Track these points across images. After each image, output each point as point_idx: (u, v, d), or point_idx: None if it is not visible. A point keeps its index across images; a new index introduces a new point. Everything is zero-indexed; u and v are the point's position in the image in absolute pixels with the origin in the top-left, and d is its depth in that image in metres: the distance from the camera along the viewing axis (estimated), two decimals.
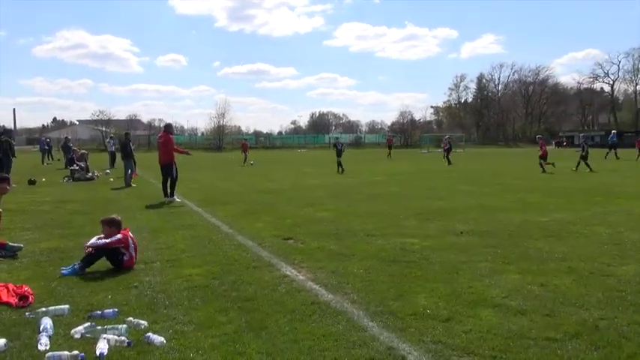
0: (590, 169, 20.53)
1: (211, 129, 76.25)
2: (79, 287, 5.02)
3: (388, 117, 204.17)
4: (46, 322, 3.83)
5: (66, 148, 26.93)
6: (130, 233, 5.93)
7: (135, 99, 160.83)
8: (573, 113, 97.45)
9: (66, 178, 18.64)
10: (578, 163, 21.03)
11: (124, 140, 18.43)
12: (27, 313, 4.20)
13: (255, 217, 9.52)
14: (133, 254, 5.79)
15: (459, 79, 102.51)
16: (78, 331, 3.75)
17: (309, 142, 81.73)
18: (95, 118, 74.65)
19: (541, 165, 20.77)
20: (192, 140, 77.30)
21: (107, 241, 5.69)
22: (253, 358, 3.39)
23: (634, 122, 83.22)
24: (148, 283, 5.15)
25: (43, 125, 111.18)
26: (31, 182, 16.80)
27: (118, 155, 20.63)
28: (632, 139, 52.29)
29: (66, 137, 31.77)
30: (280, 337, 3.71)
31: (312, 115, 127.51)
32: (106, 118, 71.95)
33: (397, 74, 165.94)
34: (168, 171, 12.22)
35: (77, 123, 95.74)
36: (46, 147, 33.82)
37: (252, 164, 29.82)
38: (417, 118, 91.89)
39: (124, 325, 3.84)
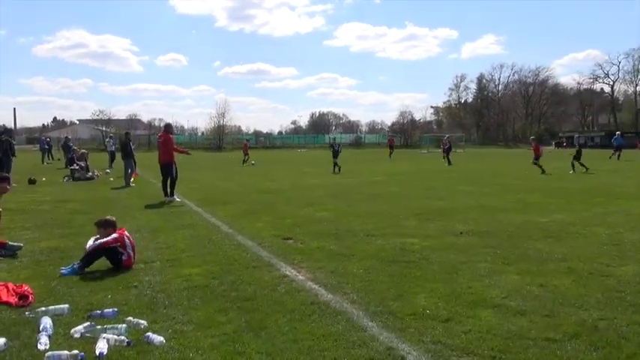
0: (586, 169, 20.50)
1: (211, 129, 76.29)
2: (79, 287, 5.02)
3: (388, 117, 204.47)
4: (46, 322, 3.83)
5: (66, 147, 26.93)
6: (126, 232, 5.93)
7: (135, 98, 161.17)
8: (573, 114, 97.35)
9: (66, 178, 18.64)
10: (573, 165, 20.97)
11: (124, 140, 18.42)
12: (27, 313, 4.21)
13: (255, 217, 9.52)
14: (131, 253, 5.79)
15: (459, 80, 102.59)
16: (77, 330, 3.75)
17: (309, 142, 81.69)
18: (95, 117, 74.71)
19: (539, 166, 20.61)
20: (193, 140, 77.27)
21: (103, 240, 5.69)
22: (253, 358, 3.39)
23: (634, 123, 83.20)
24: (148, 282, 5.15)
25: (43, 125, 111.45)
26: (31, 182, 16.81)
27: (117, 155, 20.64)
28: (632, 139, 52.33)
29: (66, 137, 31.77)
30: (280, 337, 3.71)
31: (313, 115, 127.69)
32: (106, 117, 72.01)
33: (397, 74, 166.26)
34: (168, 171, 12.22)
35: (77, 122, 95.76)
36: (46, 146, 33.83)
37: (253, 164, 29.84)
38: (417, 119, 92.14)
39: (124, 325, 3.84)
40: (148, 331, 3.74)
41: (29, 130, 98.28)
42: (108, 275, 5.42)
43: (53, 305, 4.30)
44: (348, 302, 4.50)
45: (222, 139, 71.53)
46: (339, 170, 21.98)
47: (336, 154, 22.85)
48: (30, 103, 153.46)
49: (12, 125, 68.88)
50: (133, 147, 17.74)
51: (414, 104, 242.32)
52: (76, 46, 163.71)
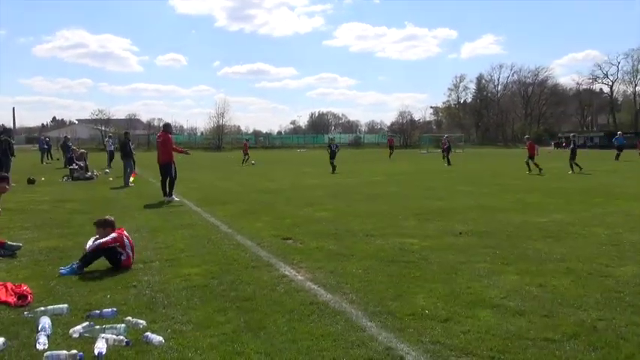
0: (580, 168, 20.53)
1: (211, 129, 76.28)
2: (78, 286, 5.02)
3: (388, 117, 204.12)
4: (45, 322, 3.82)
5: (65, 147, 26.88)
6: (125, 232, 5.93)
7: (134, 98, 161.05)
8: (572, 114, 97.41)
9: (65, 178, 18.63)
10: (571, 165, 20.99)
11: (123, 140, 18.41)
12: (25, 313, 4.20)
13: (255, 216, 9.52)
14: (130, 253, 5.79)
15: (458, 80, 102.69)
16: (76, 330, 3.75)
17: (309, 142, 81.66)
18: (95, 117, 74.77)
19: (536, 165, 20.49)
20: (192, 140, 77.27)
21: (102, 240, 5.69)
22: (252, 358, 3.39)
23: (633, 123, 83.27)
24: (147, 282, 5.15)
25: (43, 124, 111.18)
26: (31, 181, 16.79)
27: (116, 155, 20.61)
28: (631, 140, 52.28)
29: (65, 136, 31.70)
30: (279, 337, 3.71)
31: (312, 115, 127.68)
32: (106, 117, 72.08)
33: (397, 74, 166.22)
34: (167, 170, 12.21)
35: (77, 122, 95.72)
36: (46, 146, 33.77)
37: (253, 164, 29.86)
38: (416, 119, 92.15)
39: (123, 325, 3.84)
40: (146, 331, 3.74)
41: (28, 130, 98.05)
42: (107, 275, 5.42)
43: (52, 305, 4.30)
44: (347, 302, 4.50)
45: (221, 139, 71.53)
46: (334, 169, 22.08)
47: (333, 155, 22.83)
48: (29, 102, 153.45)
49: (11, 125, 68.86)
50: (132, 147, 17.74)
51: (414, 104, 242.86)
52: (76, 46, 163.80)
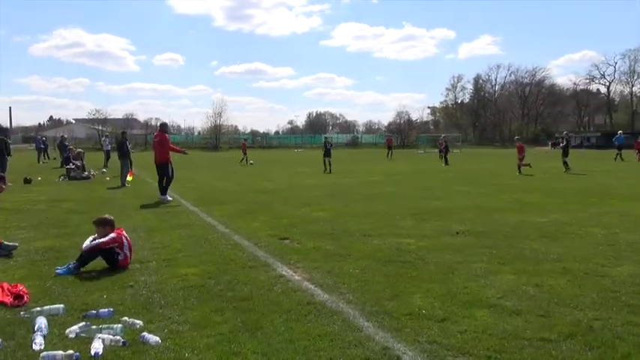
0: (567, 168, 20.72)
1: (208, 128, 76.18)
2: (74, 286, 5.00)
3: (385, 117, 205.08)
4: (41, 322, 3.81)
5: (62, 146, 26.83)
6: (124, 232, 5.92)
7: (131, 98, 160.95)
8: (569, 114, 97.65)
9: (62, 177, 18.59)
10: (567, 165, 21.08)
11: (120, 139, 18.39)
12: (22, 313, 4.19)
13: (252, 216, 9.51)
14: (128, 254, 5.78)
15: (456, 80, 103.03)
16: (73, 330, 3.74)
17: (306, 142, 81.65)
18: (91, 116, 74.53)
19: (526, 165, 20.66)
20: (189, 139, 77.14)
21: (101, 240, 5.67)
22: (249, 358, 3.39)
23: (630, 123, 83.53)
24: (144, 282, 5.14)
25: (39, 124, 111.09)
26: (27, 181, 16.74)
27: (112, 154, 20.56)
28: (628, 140, 52.34)
29: (62, 136, 31.62)
30: (276, 337, 3.71)
31: (309, 115, 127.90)
32: (103, 116, 71.87)
33: (395, 74, 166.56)
34: (164, 170, 12.19)
35: (73, 122, 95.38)
36: (42, 146, 33.68)
37: (251, 164, 29.88)
38: (414, 119, 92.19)
39: (119, 325, 3.83)
40: (143, 331, 3.74)
41: (25, 130, 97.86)
42: (103, 275, 5.41)
43: (48, 305, 4.29)
44: (344, 302, 4.50)
45: (218, 139, 71.48)
46: (328, 167, 22.25)
47: (328, 153, 22.91)
48: (26, 102, 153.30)
49: (8, 124, 68.71)
50: (129, 146, 17.71)
51: (412, 104, 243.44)
52: (73, 45, 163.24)
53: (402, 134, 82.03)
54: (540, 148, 59.77)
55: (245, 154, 31.78)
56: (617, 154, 30.67)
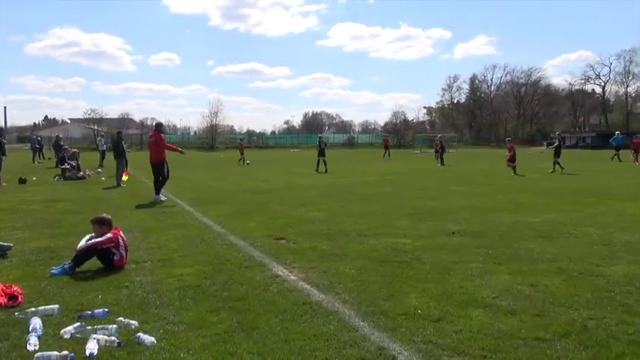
0: (553, 170, 20.85)
1: (204, 128, 75.94)
2: (69, 287, 4.99)
3: (382, 117, 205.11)
4: (36, 322, 3.80)
5: (57, 146, 26.72)
6: (120, 233, 5.90)
7: (127, 98, 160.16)
8: (565, 114, 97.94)
9: (57, 177, 18.52)
10: (555, 163, 21.17)
11: (116, 139, 18.33)
12: (16, 313, 4.17)
13: (248, 216, 9.50)
14: (124, 254, 5.76)
15: (452, 80, 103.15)
16: (67, 331, 3.73)
17: (302, 142, 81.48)
18: (87, 116, 74.15)
19: (509, 166, 20.72)
20: (185, 139, 76.84)
21: (97, 240, 5.65)
22: (244, 358, 3.39)
23: (625, 124, 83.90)
24: (139, 282, 5.13)
25: (35, 123, 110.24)
26: (22, 181, 16.67)
27: (108, 154, 20.48)
28: (623, 140, 52.54)
29: (57, 136, 31.48)
30: (271, 337, 3.71)
31: (306, 114, 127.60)
32: (98, 116, 71.47)
33: (391, 74, 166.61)
34: (159, 170, 12.17)
35: (69, 121, 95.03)
36: (37, 145, 33.53)
37: (248, 164, 29.88)
38: (410, 119, 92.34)
39: (114, 325, 3.82)
40: (138, 332, 3.73)
41: (20, 129, 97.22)
42: (99, 275, 5.39)
43: (43, 306, 4.27)
44: (339, 302, 4.50)
45: (214, 139, 71.29)
46: (324, 167, 22.29)
47: (323, 152, 22.92)
48: (21, 101, 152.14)
49: (2, 124, 68.36)
50: (125, 146, 17.66)
51: (408, 104, 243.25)
52: (69, 45, 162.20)
53: (398, 134, 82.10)
54: (535, 148, 59.90)
55: (242, 154, 31.93)
56: (615, 154, 30.67)
